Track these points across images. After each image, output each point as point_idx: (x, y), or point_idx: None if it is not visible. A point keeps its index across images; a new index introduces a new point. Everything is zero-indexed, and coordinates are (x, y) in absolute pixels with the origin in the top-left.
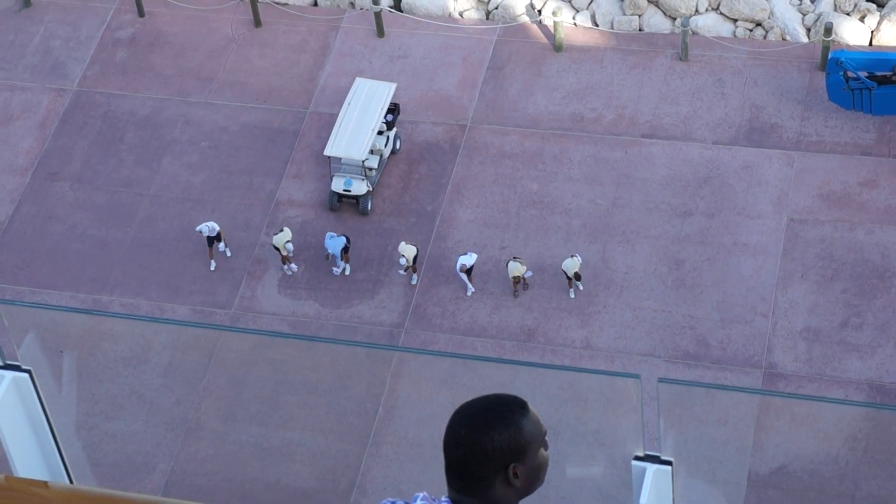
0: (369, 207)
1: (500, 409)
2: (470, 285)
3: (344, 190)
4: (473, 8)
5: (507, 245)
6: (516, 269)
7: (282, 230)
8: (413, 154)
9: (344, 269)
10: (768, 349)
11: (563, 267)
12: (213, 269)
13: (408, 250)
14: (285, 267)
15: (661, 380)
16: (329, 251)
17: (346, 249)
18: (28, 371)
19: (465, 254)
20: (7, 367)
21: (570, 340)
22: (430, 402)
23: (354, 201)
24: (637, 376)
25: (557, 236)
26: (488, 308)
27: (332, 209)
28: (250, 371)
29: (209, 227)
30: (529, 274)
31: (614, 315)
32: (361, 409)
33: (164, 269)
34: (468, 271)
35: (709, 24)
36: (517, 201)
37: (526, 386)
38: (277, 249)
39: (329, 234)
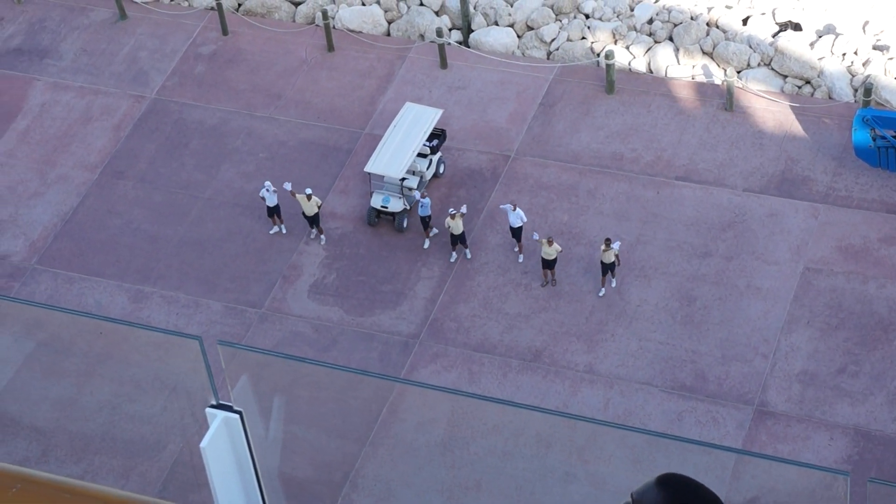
0: (405, 225)
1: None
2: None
3: (381, 206)
4: (535, 47)
5: (529, 270)
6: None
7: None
8: (455, 179)
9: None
10: (763, 388)
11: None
12: (275, 231)
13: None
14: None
15: (871, 480)
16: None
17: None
18: (239, 412)
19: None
20: (220, 406)
21: (573, 364)
22: (432, 409)
23: (391, 218)
24: (846, 473)
25: (579, 266)
26: (501, 327)
27: (371, 224)
28: (267, 368)
29: (268, 190)
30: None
31: (620, 344)
32: (367, 409)
33: (206, 266)
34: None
35: (759, 77)
36: (546, 230)
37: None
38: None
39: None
